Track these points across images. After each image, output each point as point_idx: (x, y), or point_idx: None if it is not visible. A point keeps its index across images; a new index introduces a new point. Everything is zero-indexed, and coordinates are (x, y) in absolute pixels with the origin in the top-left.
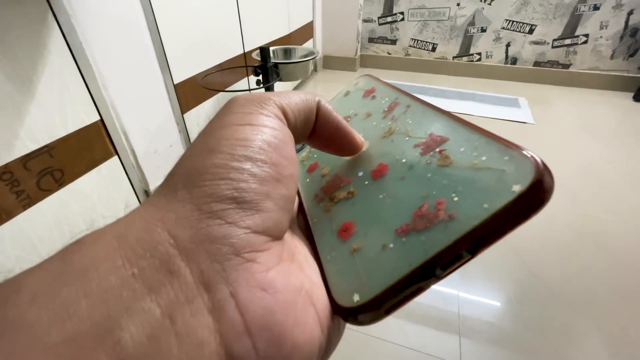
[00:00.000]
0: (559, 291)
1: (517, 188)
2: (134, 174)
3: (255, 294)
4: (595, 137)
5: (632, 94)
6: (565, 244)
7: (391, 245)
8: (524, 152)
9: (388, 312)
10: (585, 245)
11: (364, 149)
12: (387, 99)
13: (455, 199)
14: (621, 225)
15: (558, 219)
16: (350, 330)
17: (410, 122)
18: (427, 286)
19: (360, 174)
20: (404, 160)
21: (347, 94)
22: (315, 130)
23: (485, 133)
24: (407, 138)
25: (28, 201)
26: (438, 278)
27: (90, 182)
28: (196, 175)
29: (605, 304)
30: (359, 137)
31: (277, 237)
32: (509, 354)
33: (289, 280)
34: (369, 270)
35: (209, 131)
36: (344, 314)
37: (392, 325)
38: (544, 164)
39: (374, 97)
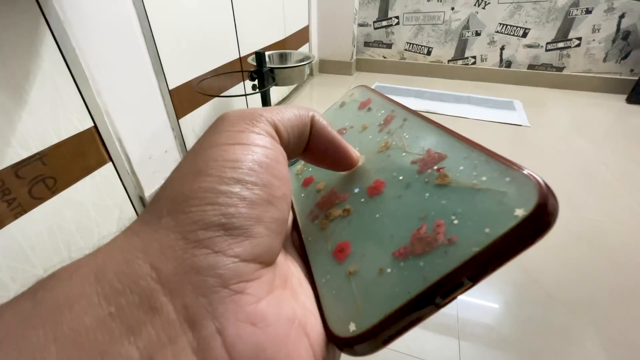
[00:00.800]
0: (557, 294)
1: (520, 212)
2: (128, 181)
3: (245, 330)
4: (590, 138)
5: (625, 96)
6: (562, 246)
7: (388, 270)
8: (525, 172)
9: (386, 342)
10: (581, 247)
11: (360, 163)
12: (383, 111)
13: (455, 221)
14: (616, 226)
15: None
16: None
17: (407, 136)
18: (427, 316)
19: (357, 190)
20: (400, 178)
21: (342, 105)
22: (310, 146)
23: (484, 150)
24: (403, 153)
25: (20, 210)
26: (438, 307)
27: (84, 189)
28: (182, 201)
29: (603, 306)
30: (354, 152)
31: (269, 263)
32: (508, 357)
33: (281, 310)
34: (366, 296)
35: (197, 151)
36: (340, 344)
37: None
38: (546, 186)
39: (369, 109)
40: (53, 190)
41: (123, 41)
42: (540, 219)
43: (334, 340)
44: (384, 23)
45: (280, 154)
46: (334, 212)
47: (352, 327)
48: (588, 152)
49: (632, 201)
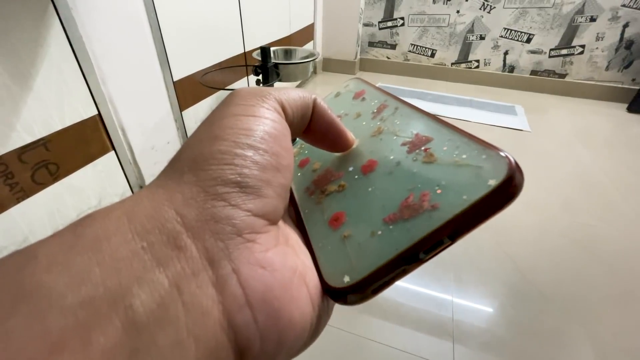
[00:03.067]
0: (551, 296)
1: (493, 182)
2: (130, 170)
3: (256, 271)
4: (589, 146)
5: (626, 105)
6: (558, 250)
7: (379, 232)
8: (500, 152)
9: (375, 292)
10: (577, 251)
11: (354, 146)
12: (376, 101)
13: (439, 191)
14: (612, 232)
15: (551, 225)
16: (345, 332)
17: (398, 122)
18: (412, 269)
19: (351, 169)
20: (392, 157)
21: (337, 95)
22: (311, 127)
23: (466, 134)
24: (395, 137)
25: (22, 194)
26: (422, 261)
27: (85, 176)
28: (202, 160)
29: (596, 310)
30: (350, 134)
31: (274, 222)
32: (501, 358)
33: (286, 260)
34: (359, 254)
35: (212, 121)
36: (335, 294)
37: (386, 328)
38: (516, 163)
39: (363, 99)
40: (55, 177)
41: (130, 31)
42: (509, 189)
43: (329, 292)
44: (389, 24)
45: (286, 129)
46: (330, 187)
47: (347, 278)
48: (587, 159)
49: (628, 208)
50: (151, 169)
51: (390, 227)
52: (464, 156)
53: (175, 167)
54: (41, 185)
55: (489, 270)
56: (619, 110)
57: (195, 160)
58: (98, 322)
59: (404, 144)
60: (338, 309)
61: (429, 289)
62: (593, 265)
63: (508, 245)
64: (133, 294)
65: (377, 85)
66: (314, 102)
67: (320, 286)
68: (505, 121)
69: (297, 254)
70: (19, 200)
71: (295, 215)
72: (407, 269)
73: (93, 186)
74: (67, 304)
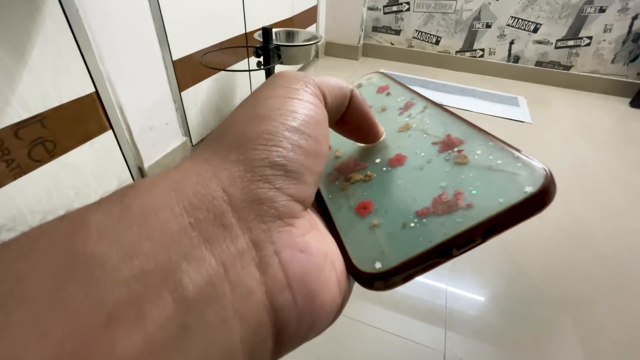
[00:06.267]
0: (543, 288)
1: (529, 189)
2: (128, 150)
3: (296, 255)
4: (590, 140)
5: (629, 100)
6: (553, 242)
7: (412, 225)
8: (535, 161)
9: (405, 280)
10: (572, 244)
11: (381, 139)
12: (402, 97)
13: (473, 192)
14: (607, 227)
15: (547, 218)
16: (341, 316)
17: (427, 122)
18: (443, 262)
19: (378, 160)
20: (422, 154)
21: (359, 86)
22: (345, 117)
23: (499, 140)
24: (424, 135)
25: (18, 171)
26: (452, 256)
27: (83, 155)
28: (249, 139)
29: (587, 302)
30: (381, 128)
31: (307, 207)
32: (490, 344)
33: (320, 245)
34: (390, 243)
35: (256, 100)
36: (364, 278)
37: (380, 313)
38: (551, 174)
39: (388, 93)
40: (52, 154)
41: (128, 7)
42: (544, 197)
43: (357, 276)
44: (394, 8)
45: (326, 116)
46: (355, 176)
47: (378, 265)
48: (586, 152)
49: (624, 203)
50: (149, 150)
51: (424, 220)
52: (499, 162)
53: (222, 143)
54: (38, 162)
55: (483, 260)
56: (621, 105)
57: (243, 138)
58: (151, 296)
59: (434, 143)
60: None
61: (423, 277)
62: (586, 258)
63: (504, 237)
64: (182, 269)
65: (380, 71)
66: (352, 93)
67: (346, 270)
68: (507, 112)
69: (325, 239)
70: (15, 177)
71: (316, 203)
72: (439, 261)
73: (91, 165)
74: (120, 275)
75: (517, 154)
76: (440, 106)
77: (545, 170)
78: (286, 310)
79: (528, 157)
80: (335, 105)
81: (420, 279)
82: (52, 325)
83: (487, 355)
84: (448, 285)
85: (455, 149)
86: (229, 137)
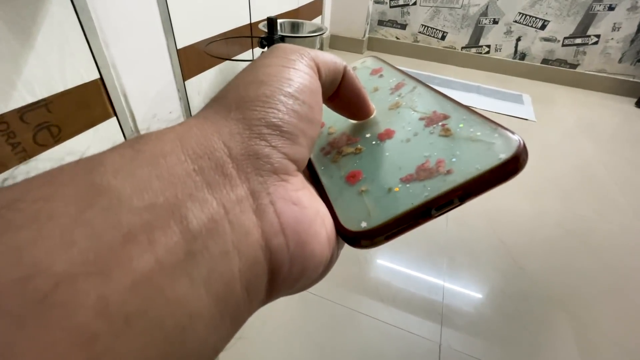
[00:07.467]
0: (541, 284)
1: (503, 156)
2: (131, 137)
3: (289, 206)
4: (593, 139)
5: (635, 100)
6: (552, 239)
7: (396, 189)
8: (510, 132)
9: (387, 238)
10: (571, 242)
11: (371, 116)
12: (394, 79)
13: (453, 160)
14: (607, 225)
15: (547, 215)
16: (338, 305)
17: (416, 100)
18: (423, 222)
19: (368, 135)
20: (409, 128)
21: (354, 69)
22: (338, 93)
23: (480, 115)
24: (412, 112)
25: (24, 154)
26: (432, 217)
27: (87, 141)
28: (249, 101)
29: (584, 300)
30: (372, 104)
31: (300, 169)
32: (487, 341)
33: (312, 201)
34: (376, 205)
35: (255, 67)
36: (350, 237)
37: (378, 306)
38: (524, 143)
39: (381, 75)
40: (57, 139)
41: None
42: (515, 164)
43: (344, 235)
44: (401, 2)
45: (320, 86)
46: (346, 149)
47: (364, 224)
48: (589, 152)
49: (625, 203)
50: None
51: (407, 185)
52: (479, 133)
53: (222, 104)
54: (43, 146)
55: (482, 256)
56: (627, 105)
57: (243, 100)
58: (160, 225)
59: (421, 119)
60: (331, 283)
61: (421, 273)
62: (585, 257)
63: (503, 233)
64: (187, 207)
65: (374, 56)
66: (345, 69)
67: (335, 230)
68: (511, 110)
69: (317, 199)
70: (20, 160)
71: (309, 173)
72: (419, 221)
73: (95, 151)
74: (134, 205)
75: (495, 126)
76: (428, 86)
77: (519, 140)
78: (280, 252)
79: (505, 129)
80: (329, 79)
81: (419, 274)
82: (77, 239)
83: (482, 347)
84: (445, 282)
85: (440, 123)
86: (229, 99)
